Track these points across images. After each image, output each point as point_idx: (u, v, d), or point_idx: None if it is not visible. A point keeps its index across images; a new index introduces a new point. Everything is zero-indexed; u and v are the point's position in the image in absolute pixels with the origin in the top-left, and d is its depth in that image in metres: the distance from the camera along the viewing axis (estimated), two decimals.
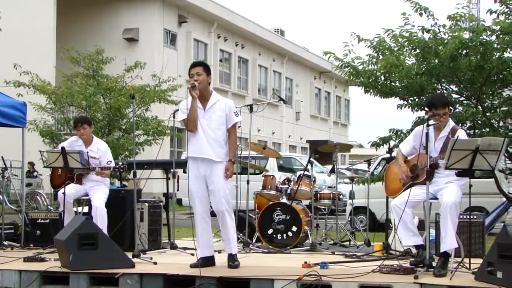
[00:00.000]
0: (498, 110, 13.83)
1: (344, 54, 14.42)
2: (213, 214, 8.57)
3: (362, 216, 15.54)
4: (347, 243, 11.56)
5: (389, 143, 13.72)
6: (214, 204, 8.49)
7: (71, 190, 9.88)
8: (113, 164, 10.04)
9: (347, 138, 56.16)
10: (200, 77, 8.45)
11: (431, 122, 7.98)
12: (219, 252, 9.23)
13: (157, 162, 11.66)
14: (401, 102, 14.47)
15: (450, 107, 8.31)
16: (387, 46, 14.12)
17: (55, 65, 24.75)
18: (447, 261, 7.89)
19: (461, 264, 7.89)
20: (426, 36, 13.64)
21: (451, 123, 8.29)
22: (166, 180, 11.36)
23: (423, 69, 13.51)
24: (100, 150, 10.21)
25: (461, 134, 8.13)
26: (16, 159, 19.49)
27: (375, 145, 14.37)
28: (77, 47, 21.46)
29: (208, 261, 8.51)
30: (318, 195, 11.78)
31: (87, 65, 20.36)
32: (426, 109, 8.48)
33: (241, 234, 11.04)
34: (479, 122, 13.70)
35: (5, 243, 10.82)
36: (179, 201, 21.88)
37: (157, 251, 10.25)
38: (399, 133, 14.18)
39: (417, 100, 14.08)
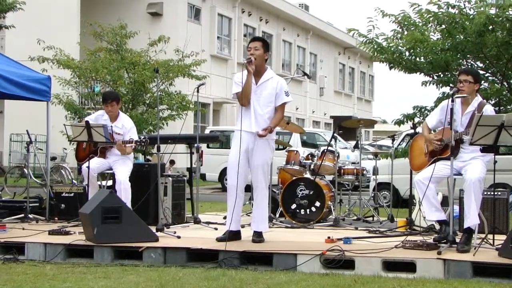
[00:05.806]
0: None
1: (368, 30, 14.36)
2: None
3: (385, 192, 15.52)
4: (371, 218, 11.54)
5: (413, 120, 13.68)
6: (253, 179, 8.59)
7: (95, 164, 9.92)
8: (135, 138, 10.00)
9: (371, 114, 55.87)
10: (257, 52, 8.54)
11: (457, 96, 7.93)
12: (243, 226, 9.25)
13: (181, 137, 11.67)
14: (426, 78, 14.40)
15: (476, 80, 8.13)
16: (412, 21, 14.03)
17: (79, 40, 24.77)
18: (471, 237, 7.88)
19: (485, 240, 7.87)
20: (451, 12, 13.53)
21: (479, 98, 8.20)
22: (189, 155, 11.36)
23: (448, 44, 13.41)
24: (124, 127, 10.16)
25: (488, 109, 8.07)
26: (41, 133, 19.60)
27: (399, 122, 14.33)
28: (101, 22, 21.47)
29: (234, 235, 8.53)
30: (342, 170, 11.75)
31: (110, 40, 20.42)
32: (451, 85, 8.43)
33: None
34: (504, 99, 13.60)
35: (30, 216, 10.90)
36: (203, 176, 21.93)
37: (180, 225, 10.27)
38: (423, 110, 14.12)
39: (442, 76, 13.99)
